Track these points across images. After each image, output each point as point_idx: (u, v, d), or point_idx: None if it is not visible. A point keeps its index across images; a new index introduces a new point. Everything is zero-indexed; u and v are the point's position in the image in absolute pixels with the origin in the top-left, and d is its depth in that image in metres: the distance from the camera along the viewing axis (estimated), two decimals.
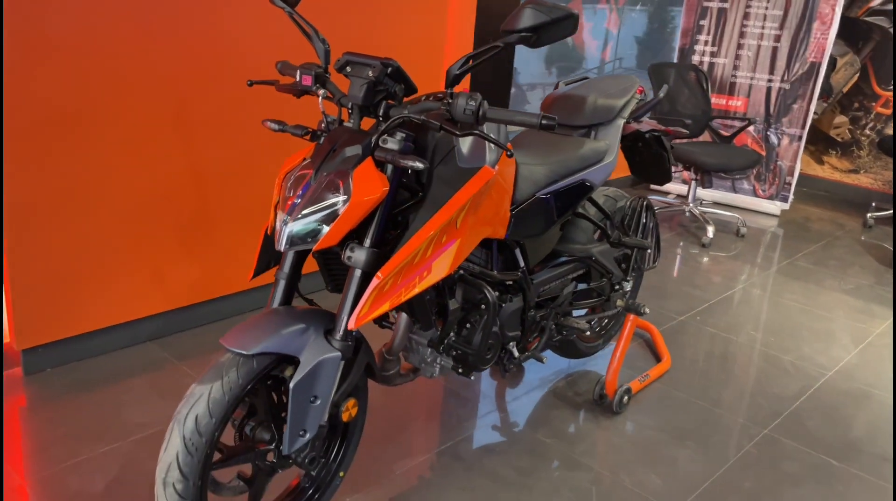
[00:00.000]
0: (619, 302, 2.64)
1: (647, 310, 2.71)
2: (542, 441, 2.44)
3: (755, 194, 5.30)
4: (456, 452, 2.35)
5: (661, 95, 2.56)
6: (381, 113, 1.73)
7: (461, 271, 1.97)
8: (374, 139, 1.69)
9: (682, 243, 4.54)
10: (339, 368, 1.72)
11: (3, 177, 2.32)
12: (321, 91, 1.79)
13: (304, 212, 1.63)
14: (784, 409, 2.76)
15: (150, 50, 2.53)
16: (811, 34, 4.94)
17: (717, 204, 5.38)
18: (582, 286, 2.57)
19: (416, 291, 1.72)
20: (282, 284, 1.80)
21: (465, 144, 1.83)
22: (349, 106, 1.75)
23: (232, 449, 1.73)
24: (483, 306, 2.02)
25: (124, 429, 2.33)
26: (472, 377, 2.19)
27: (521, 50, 4.64)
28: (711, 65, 5.31)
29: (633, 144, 2.73)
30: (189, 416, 1.56)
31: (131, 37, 2.47)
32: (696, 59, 5.35)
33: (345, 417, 1.80)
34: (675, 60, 5.43)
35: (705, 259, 4.30)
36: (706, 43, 5.31)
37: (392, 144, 1.69)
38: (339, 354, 1.70)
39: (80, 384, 2.56)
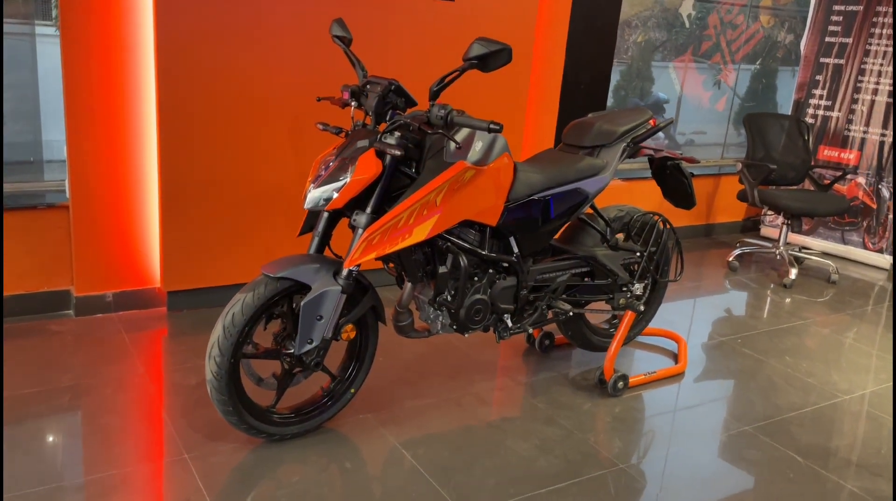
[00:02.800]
0: (621, 301, 3.08)
1: (642, 308, 3.11)
2: (534, 404, 2.93)
3: (864, 247, 5.30)
4: (458, 400, 2.91)
5: (663, 125, 3.01)
6: (387, 118, 2.42)
7: (448, 243, 2.57)
8: (378, 137, 2.37)
9: (763, 283, 4.73)
10: (340, 298, 2.39)
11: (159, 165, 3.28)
12: (354, 103, 2.51)
13: (323, 182, 2.34)
14: (777, 415, 3.02)
15: (275, 78, 3.42)
16: None
17: (825, 254, 5.44)
18: (587, 284, 3.05)
19: (398, 247, 2.36)
20: (316, 239, 2.51)
21: (452, 144, 2.45)
22: (370, 113, 2.45)
23: (266, 349, 2.45)
24: (463, 273, 2.58)
25: None
26: (466, 335, 2.76)
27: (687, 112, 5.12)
28: (825, 118, 5.45)
29: (661, 172, 3.18)
30: (229, 313, 2.30)
31: (261, 68, 3.37)
32: (810, 111, 5.51)
33: (343, 336, 2.47)
34: (791, 113, 5.61)
35: (780, 298, 4.48)
36: (821, 97, 5.46)
37: (390, 140, 2.36)
38: (339, 288, 2.38)
39: (203, 323, 3.44)
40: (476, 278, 2.69)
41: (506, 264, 2.76)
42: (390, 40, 3.66)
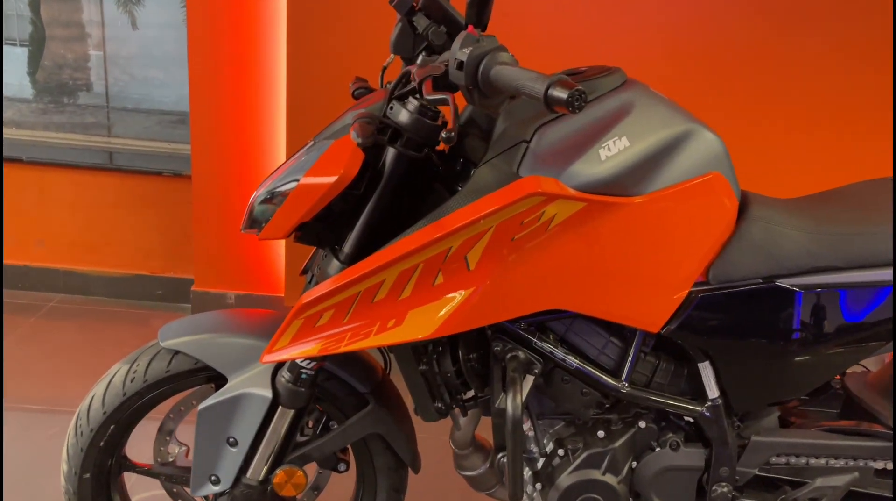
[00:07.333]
0: None
1: None
2: None
3: None
4: None
5: None
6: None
7: (512, 351, 1.17)
8: (384, 106, 1.12)
9: None
10: (281, 414, 1.22)
11: None
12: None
13: (264, 189, 1.18)
14: None
15: None
16: None
17: None
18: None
19: (366, 344, 1.09)
20: (309, 286, 1.36)
21: (547, 137, 1.07)
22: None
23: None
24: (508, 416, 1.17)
25: None
26: None
27: None
28: None
29: None
30: (89, 397, 1.30)
31: None
32: None
33: (280, 488, 1.27)
34: None
35: None
36: None
37: (400, 114, 1.09)
38: (270, 393, 1.21)
39: None
40: (601, 434, 1.25)
41: (689, 418, 1.25)
42: None
